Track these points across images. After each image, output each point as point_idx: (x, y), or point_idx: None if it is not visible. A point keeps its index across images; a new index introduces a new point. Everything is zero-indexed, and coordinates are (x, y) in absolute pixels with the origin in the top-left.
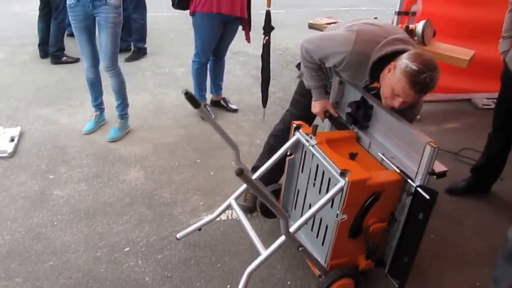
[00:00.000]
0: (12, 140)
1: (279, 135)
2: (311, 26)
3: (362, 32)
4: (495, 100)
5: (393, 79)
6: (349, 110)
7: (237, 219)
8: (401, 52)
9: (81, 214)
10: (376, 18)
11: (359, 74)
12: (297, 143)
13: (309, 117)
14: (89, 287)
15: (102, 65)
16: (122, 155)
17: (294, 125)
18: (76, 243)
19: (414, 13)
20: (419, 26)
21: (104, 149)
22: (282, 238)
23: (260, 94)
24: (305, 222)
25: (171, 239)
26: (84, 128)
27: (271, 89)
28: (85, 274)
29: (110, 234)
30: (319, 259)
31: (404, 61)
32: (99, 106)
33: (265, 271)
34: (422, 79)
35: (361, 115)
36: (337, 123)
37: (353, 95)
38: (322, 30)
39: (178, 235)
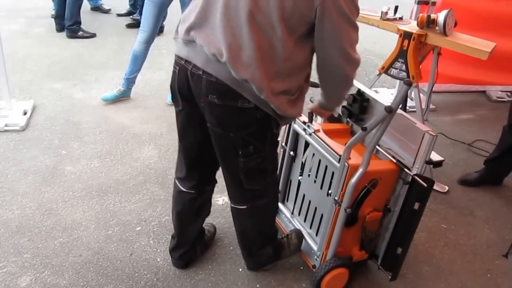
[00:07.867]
0: (24, 113)
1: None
2: None
3: None
4: (509, 93)
5: None
6: (344, 103)
7: None
8: None
9: (93, 191)
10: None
11: None
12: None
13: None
14: (99, 266)
15: None
16: (136, 133)
17: None
18: (87, 221)
19: (434, 3)
20: (441, 16)
21: (118, 126)
22: None
23: None
24: None
25: None
26: (103, 96)
27: None
28: (95, 252)
29: (122, 213)
30: (314, 249)
31: None
32: (131, 81)
33: None
34: None
35: (356, 108)
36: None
37: None
38: None
39: None
